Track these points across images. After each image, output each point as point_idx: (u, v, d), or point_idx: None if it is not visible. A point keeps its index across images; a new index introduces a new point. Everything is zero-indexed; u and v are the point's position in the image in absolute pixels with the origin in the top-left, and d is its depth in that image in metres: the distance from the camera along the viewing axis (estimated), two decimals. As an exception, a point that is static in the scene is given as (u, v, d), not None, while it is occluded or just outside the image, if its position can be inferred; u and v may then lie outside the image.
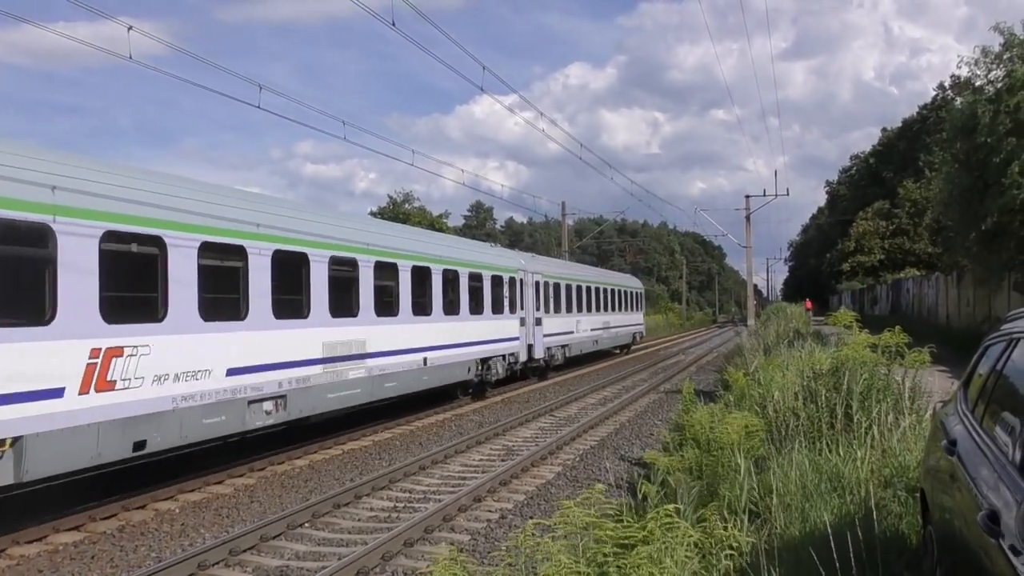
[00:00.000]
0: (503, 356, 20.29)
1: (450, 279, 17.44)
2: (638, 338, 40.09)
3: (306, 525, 8.77)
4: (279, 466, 11.98)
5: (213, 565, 7.36)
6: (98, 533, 8.56)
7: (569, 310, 26.93)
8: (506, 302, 20.69)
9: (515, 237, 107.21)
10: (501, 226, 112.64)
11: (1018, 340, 3.59)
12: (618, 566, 4.26)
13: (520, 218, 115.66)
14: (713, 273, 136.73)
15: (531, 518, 7.79)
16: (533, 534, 4.71)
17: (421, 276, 16.00)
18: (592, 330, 29.90)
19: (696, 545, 4.72)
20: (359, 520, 9.08)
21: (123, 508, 9.39)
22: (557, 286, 25.62)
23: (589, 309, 29.60)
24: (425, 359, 15.90)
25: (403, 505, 9.67)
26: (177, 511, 9.53)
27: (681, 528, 4.59)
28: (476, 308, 18.66)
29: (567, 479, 10.99)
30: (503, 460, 12.22)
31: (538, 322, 23.20)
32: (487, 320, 19.26)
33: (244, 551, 7.78)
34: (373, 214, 48.97)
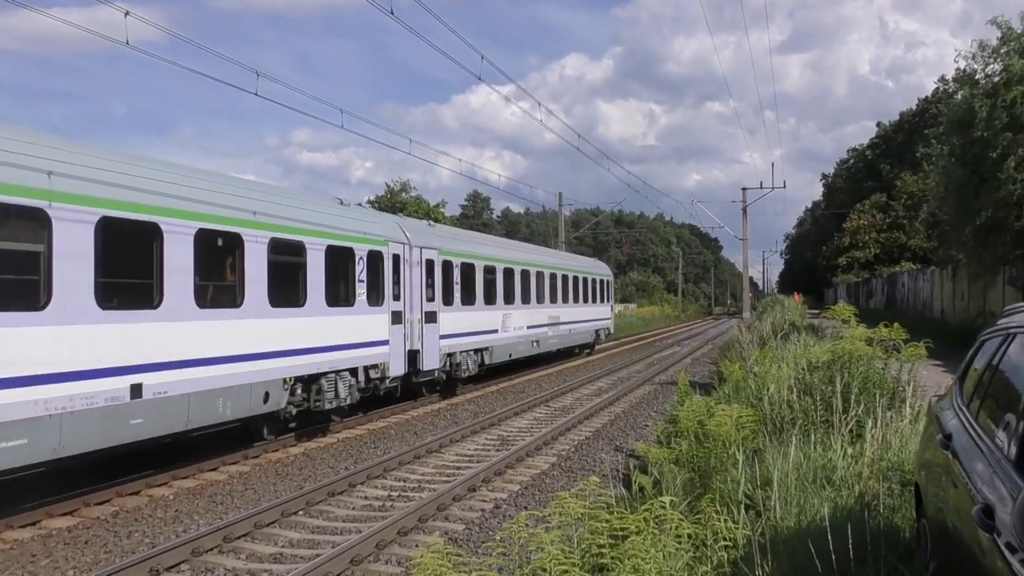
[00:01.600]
0: (352, 370, 13.69)
1: (221, 248, 10.85)
2: (603, 336, 33.08)
3: (300, 513, 8.78)
4: (273, 453, 11.99)
5: (207, 551, 7.37)
6: (92, 518, 8.57)
7: (491, 301, 20.46)
8: (362, 288, 14.26)
9: (512, 227, 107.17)
10: (498, 216, 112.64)
11: (1015, 335, 3.59)
12: (612, 557, 4.27)
13: (517, 208, 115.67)
14: (709, 265, 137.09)
15: (526, 508, 7.81)
16: (527, 525, 4.71)
17: (136, 238, 9.42)
18: (529, 328, 23.09)
19: (690, 537, 4.73)
20: (353, 508, 9.09)
21: (117, 494, 9.40)
22: (469, 268, 19.17)
23: (526, 300, 23.13)
24: (138, 386, 9.11)
25: (397, 494, 9.69)
26: (171, 497, 9.53)
27: (673, 520, 4.60)
28: (289, 297, 12.17)
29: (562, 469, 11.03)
30: (498, 450, 12.26)
31: (430, 318, 16.78)
32: (316, 316, 12.71)
33: (238, 538, 7.79)
34: (371, 203, 40.92)
